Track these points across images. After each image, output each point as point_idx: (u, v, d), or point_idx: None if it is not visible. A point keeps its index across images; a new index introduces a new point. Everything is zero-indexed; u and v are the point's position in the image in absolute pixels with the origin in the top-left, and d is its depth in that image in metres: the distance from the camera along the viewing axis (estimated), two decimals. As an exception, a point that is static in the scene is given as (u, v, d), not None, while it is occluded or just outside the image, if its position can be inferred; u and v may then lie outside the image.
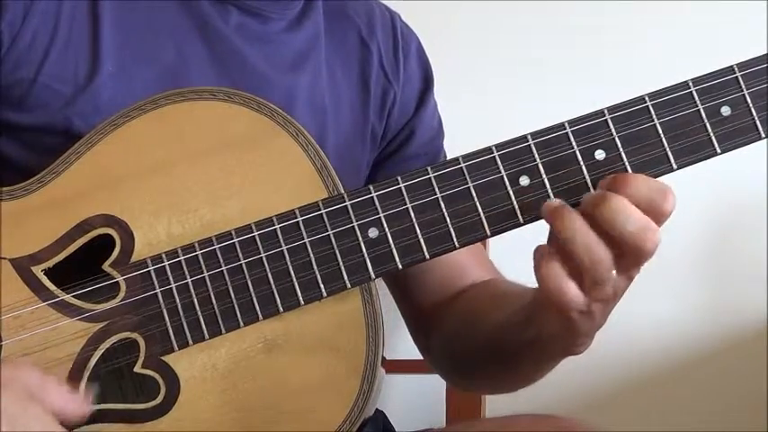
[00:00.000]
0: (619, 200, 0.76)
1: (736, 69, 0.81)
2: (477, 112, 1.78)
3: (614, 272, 0.77)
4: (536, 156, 0.80)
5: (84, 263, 0.81)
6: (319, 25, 1.06)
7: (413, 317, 1.11)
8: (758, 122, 0.80)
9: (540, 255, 0.78)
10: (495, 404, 1.08)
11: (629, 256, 0.77)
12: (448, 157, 1.04)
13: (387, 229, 0.80)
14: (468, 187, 0.80)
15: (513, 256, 0.80)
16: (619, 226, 0.75)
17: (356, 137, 1.07)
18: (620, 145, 0.80)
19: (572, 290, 0.77)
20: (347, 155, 1.04)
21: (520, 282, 0.97)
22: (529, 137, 0.81)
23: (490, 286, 1.07)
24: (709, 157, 0.81)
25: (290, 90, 1.00)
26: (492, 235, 0.81)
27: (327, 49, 1.06)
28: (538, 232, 0.81)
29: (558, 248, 0.77)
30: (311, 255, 0.80)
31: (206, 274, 0.80)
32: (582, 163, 0.80)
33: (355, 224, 0.81)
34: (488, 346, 0.97)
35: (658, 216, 0.76)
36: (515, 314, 0.90)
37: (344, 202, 0.81)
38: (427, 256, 0.81)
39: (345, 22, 1.09)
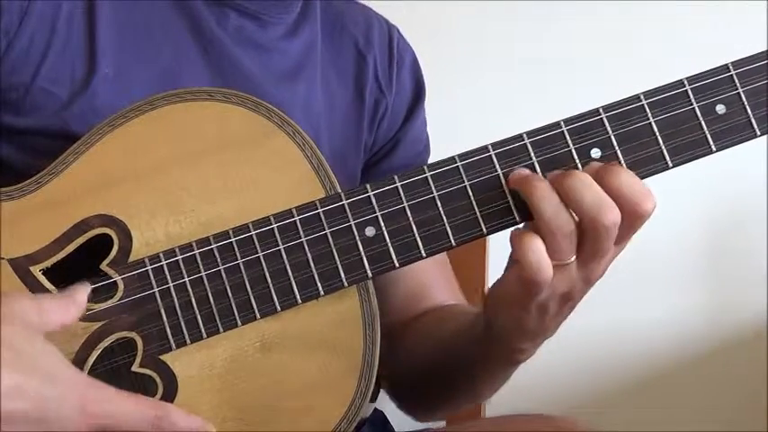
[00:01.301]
0: (581, 173, 0.77)
1: (730, 68, 0.81)
2: (472, 111, 1.79)
3: (574, 257, 0.78)
4: (532, 154, 0.80)
5: (82, 263, 0.81)
6: (316, 31, 1.06)
7: None
8: (753, 120, 0.80)
9: (519, 231, 0.79)
10: (496, 404, 1.08)
11: (587, 233, 0.77)
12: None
13: (384, 228, 0.81)
14: (465, 186, 0.81)
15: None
16: (577, 195, 0.76)
17: (349, 146, 1.07)
18: (615, 143, 0.80)
19: (549, 268, 0.77)
20: (340, 164, 1.03)
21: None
22: (525, 136, 0.81)
23: (454, 308, 1.07)
24: (704, 155, 0.81)
25: (285, 100, 1.00)
26: (489, 233, 0.81)
27: (323, 58, 1.06)
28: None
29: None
30: (308, 254, 0.81)
31: (203, 273, 0.80)
32: (578, 161, 0.80)
33: (352, 223, 0.81)
34: (443, 355, 0.98)
35: (637, 214, 0.77)
36: (470, 318, 0.91)
37: (341, 201, 0.81)
38: (424, 255, 0.81)
39: (343, 31, 1.09)
